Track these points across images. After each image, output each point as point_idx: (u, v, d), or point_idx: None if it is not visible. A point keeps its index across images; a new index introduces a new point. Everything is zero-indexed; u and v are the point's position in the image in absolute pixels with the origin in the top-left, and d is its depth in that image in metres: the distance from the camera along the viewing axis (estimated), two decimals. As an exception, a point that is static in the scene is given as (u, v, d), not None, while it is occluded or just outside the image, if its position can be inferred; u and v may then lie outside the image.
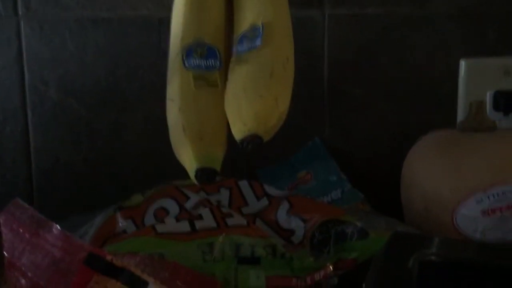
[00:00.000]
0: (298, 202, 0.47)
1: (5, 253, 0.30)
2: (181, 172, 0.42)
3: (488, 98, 0.59)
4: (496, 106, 0.59)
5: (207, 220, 0.42)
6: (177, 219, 0.42)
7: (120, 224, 0.45)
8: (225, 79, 0.38)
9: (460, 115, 0.60)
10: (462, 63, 0.60)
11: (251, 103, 0.35)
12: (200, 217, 0.43)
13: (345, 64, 0.63)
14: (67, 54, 0.66)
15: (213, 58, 0.39)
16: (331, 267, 0.40)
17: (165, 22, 0.63)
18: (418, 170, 0.49)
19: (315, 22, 0.62)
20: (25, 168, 0.66)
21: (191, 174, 0.35)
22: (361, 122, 0.63)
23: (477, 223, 0.45)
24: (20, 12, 0.64)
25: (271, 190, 0.48)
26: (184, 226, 0.42)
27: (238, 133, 0.34)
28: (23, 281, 0.31)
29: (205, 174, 0.34)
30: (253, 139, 0.34)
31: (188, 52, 0.39)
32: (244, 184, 0.49)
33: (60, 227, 0.51)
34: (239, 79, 0.36)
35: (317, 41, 0.63)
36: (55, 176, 0.67)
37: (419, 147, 0.51)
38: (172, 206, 0.46)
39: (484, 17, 0.61)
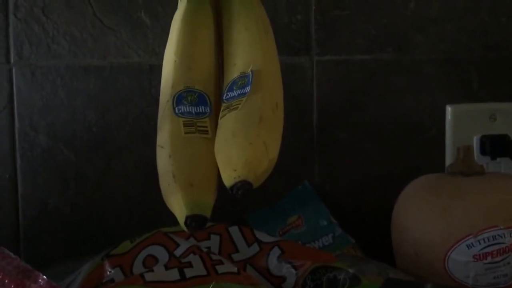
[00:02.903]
0: (289, 248, 0.46)
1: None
2: (171, 218, 0.41)
3: (475, 142, 0.60)
4: (483, 151, 0.60)
5: (197, 268, 0.42)
6: (166, 267, 0.42)
7: (108, 273, 0.44)
8: (215, 126, 0.39)
9: (448, 159, 0.61)
10: (448, 109, 0.61)
11: (241, 149, 0.35)
12: (189, 264, 0.42)
13: (333, 109, 0.64)
14: (58, 101, 0.66)
15: (204, 105, 0.39)
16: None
17: (156, 69, 0.64)
18: (408, 215, 0.49)
19: (303, 68, 0.64)
20: (13, 214, 0.65)
21: (181, 221, 0.35)
22: (349, 166, 0.64)
23: (469, 268, 0.45)
24: (12, 60, 0.65)
25: (261, 236, 0.48)
26: (174, 274, 0.41)
27: (228, 179, 0.34)
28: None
29: (195, 221, 0.34)
30: (243, 186, 0.34)
31: (178, 99, 0.39)
32: (234, 230, 0.49)
33: (48, 275, 0.50)
34: (228, 125, 0.37)
35: (306, 86, 0.64)
36: (42, 223, 0.66)
37: (409, 192, 0.51)
38: (162, 254, 0.45)
39: (467, 63, 0.62)
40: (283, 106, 0.41)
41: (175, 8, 0.49)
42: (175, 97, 0.39)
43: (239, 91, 0.39)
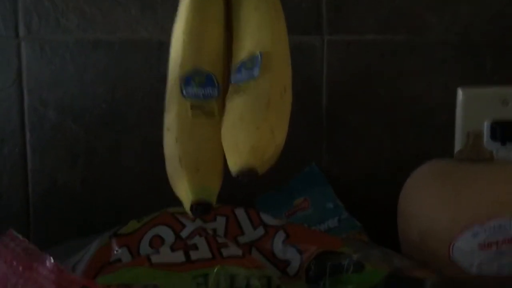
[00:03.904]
0: (294, 232, 0.47)
1: (-2, 285, 0.30)
2: (178, 197, 0.42)
3: (486, 128, 0.59)
4: (493, 136, 0.59)
5: (202, 251, 0.42)
6: (172, 249, 0.42)
7: (115, 252, 0.45)
8: (222, 108, 0.38)
9: (458, 144, 0.61)
10: (460, 92, 0.61)
11: (248, 135, 0.35)
12: (195, 247, 0.42)
13: (343, 90, 0.63)
14: (67, 76, 0.66)
15: (211, 86, 0.39)
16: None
17: (165, 46, 0.63)
18: (414, 201, 0.49)
19: (314, 47, 0.63)
20: (22, 189, 0.66)
21: (186, 206, 0.35)
22: (358, 149, 0.63)
23: (474, 257, 0.45)
24: (21, 34, 0.65)
25: (267, 218, 0.48)
26: (179, 256, 0.41)
27: (234, 166, 0.34)
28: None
29: (200, 207, 0.34)
30: (248, 173, 0.34)
31: (186, 80, 0.39)
32: (240, 212, 0.49)
33: (58, 252, 0.51)
34: (236, 110, 0.36)
35: (316, 67, 0.63)
36: (52, 198, 0.67)
37: (415, 178, 0.51)
38: (168, 234, 0.46)
39: (481, 46, 0.61)
40: (291, 90, 0.40)
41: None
42: (183, 78, 0.39)
43: (247, 73, 0.38)
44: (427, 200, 0.48)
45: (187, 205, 0.35)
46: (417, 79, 0.62)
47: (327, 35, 0.62)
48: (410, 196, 0.50)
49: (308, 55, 0.63)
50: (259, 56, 0.39)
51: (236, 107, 0.36)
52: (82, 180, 0.66)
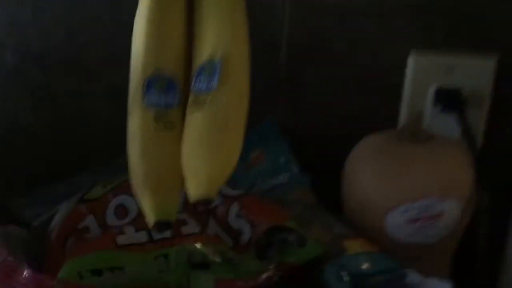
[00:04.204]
0: (248, 204, 0.52)
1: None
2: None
3: (430, 92, 0.64)
4: (436, 102, 0.63)
5: (163, 229, 0.47)
6: (136, 229, 0.47)
7: (83, 221, 0.49)
8: (183, 116, 0.41)
9: (404, 107, 0.65)
10: (410, 57, 0.64)
11: (206, 163, 0.38)
12: (157, 225, 0.47)
13: (301, 50, 0.65)
14: (24, 18, 0.65)
15: (173, 92, 0.41)
16: (273, 270, 0.46)
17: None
18: (355, 174, 0.55)
19: (275, 7, 0.63)
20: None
21: (149, 221, 0.39)
22: (313, 105, 0.67)
23: (403, 229, 0.52)
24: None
25: (225, 189, 0.52)
26: (143, 236, 0.46)
27: (191, 194, 0.37)
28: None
29: (161, 225, 0.38)
30: (205, 201, 0.37)
31: (148, 85, 0.41)
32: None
33: (33, 199, 0.54)
34: (195, 129, 0.39)
35: (276, 25, 0.64)
36: (16, 139, 0.69)
37: (358, 151, 0.56)
38: (132, 205, 0.50)
39: (435, 13, 0.63)
40: (249, 92, 0.43)
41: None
42: (145, 83, 0.41)
43: (207, 82, 0.40)
44: (368, 175, 0.54)
45: (149, 220, 0.38)
46: (372, 42, 0.64)
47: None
48: (352, 168, 0.56)
49: (270, 14, 0.64)
50: (218, 63, 0.40)
51: (194, 125, 0.39)
52: (46, 124, 0.68)
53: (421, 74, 0.64)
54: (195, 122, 0.39)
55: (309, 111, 0.67)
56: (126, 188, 0.51)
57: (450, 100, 0.63)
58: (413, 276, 0.46)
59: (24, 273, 0.35)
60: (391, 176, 0.52)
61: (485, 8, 0.62)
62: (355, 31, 0.64)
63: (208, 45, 0.42)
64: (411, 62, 0.64)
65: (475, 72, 0.63)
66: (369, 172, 0.53)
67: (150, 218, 0.38)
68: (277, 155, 0.65)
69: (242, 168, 0.65)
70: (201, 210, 0.47)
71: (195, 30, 0.43)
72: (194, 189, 0.37)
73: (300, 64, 0.66)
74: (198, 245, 0.46)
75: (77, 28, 0.66)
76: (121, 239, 0.46)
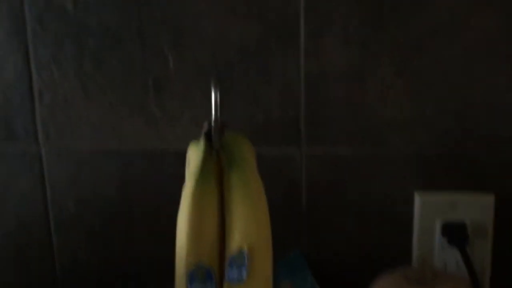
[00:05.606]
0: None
1: None
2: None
3: (437, 226, 0.72)
4: (443, 234, 0.72)
5: None
6: None
7: None
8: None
9: (415, 240, 0.73)
10: (417, 196, 0.72)
11: None
12: None
13: (319, 192, 0.75)
14: (82, 178, 0.77)
15: (210, 281, 0.51)
16: None
17: (167, 154, 0.75)
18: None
19: (293, 158, 0.74)
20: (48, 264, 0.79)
21: None
22: (332, 238, 0.76)
23: None
24: (40, 141, 0.76)
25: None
26: None
27: None
28: None
29: None
30: None
31: (190, 276, 0.51)
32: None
33: None
34: None
35: (296, 173, 0.74)
36: (75, 273, 0.81)
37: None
38: None
39: (434, 159, 0.72)
40: (271, 272, 0.52)
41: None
42: (188, 277, 0.51)
43: (237, 273, 0.50)
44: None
45: None
46: (380, 183, 0.74)
47: (305, 147, 0.73)
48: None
49: (289, 164, 0.74)
50: (246, 256, 0.50)
51: None
52: (99, 258, 0.80)
53: (427, 210, 0.72)
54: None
55: (329, 245, 0.76)
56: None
57: (455, 233, 0.71)
58: None
59: None
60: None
61: (482, 151, 0.71)
62: (364, 175, 0.73)
63: (237, 237, 0.52)
64: (417, 200, 0.72)
65: (476, 208, 0.71)
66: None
67: None
68: (304, 286, 0.74)
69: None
70: None
71: (226, 220, 0.53)
72: None
73: (319, 204, 0.75)
74: None
75: (125, 186, 0.77)
76: None
